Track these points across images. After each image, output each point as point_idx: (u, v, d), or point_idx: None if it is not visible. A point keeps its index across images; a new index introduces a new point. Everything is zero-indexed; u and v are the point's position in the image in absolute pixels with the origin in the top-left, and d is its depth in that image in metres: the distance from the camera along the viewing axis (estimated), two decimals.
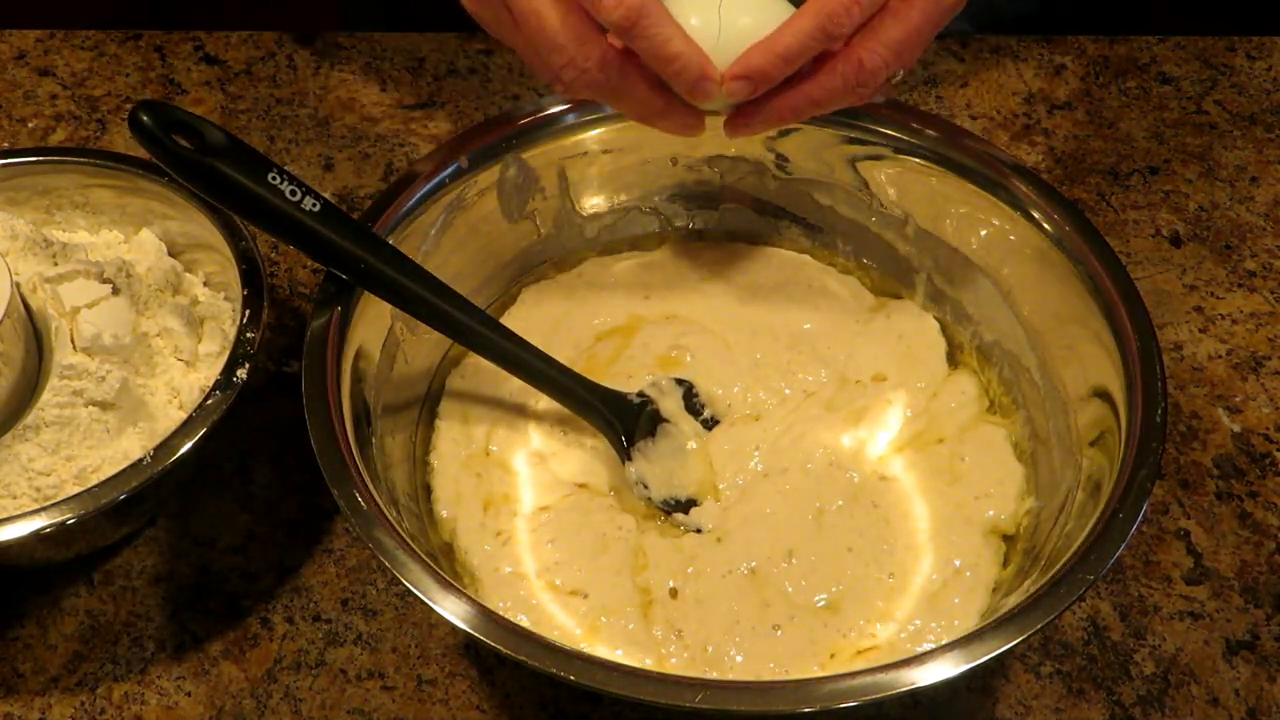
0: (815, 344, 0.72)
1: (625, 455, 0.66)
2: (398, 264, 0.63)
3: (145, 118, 0.57)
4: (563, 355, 0.68)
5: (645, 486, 0.66)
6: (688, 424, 0.68)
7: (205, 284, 0.74)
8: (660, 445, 0.67)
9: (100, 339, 0.64)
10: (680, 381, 0.70)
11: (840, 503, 0.65)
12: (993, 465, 0.67)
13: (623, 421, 0.67)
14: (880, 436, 0.68)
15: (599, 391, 0.67)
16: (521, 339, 0.66)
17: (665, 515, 0.65)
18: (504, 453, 0.68)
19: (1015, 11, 1.03)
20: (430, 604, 0.52)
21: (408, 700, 0.64)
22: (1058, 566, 0.54)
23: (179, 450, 0.60)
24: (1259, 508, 0.72)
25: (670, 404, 0.69)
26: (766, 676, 0.58)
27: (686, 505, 0.65)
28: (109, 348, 0.65)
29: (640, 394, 0.68)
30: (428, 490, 0.67)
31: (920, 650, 0.54)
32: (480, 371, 0.70)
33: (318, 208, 0.61)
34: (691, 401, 0.69)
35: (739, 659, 0.59)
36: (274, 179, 0.60)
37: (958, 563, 0.62)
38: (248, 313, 0.65)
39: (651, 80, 0.60)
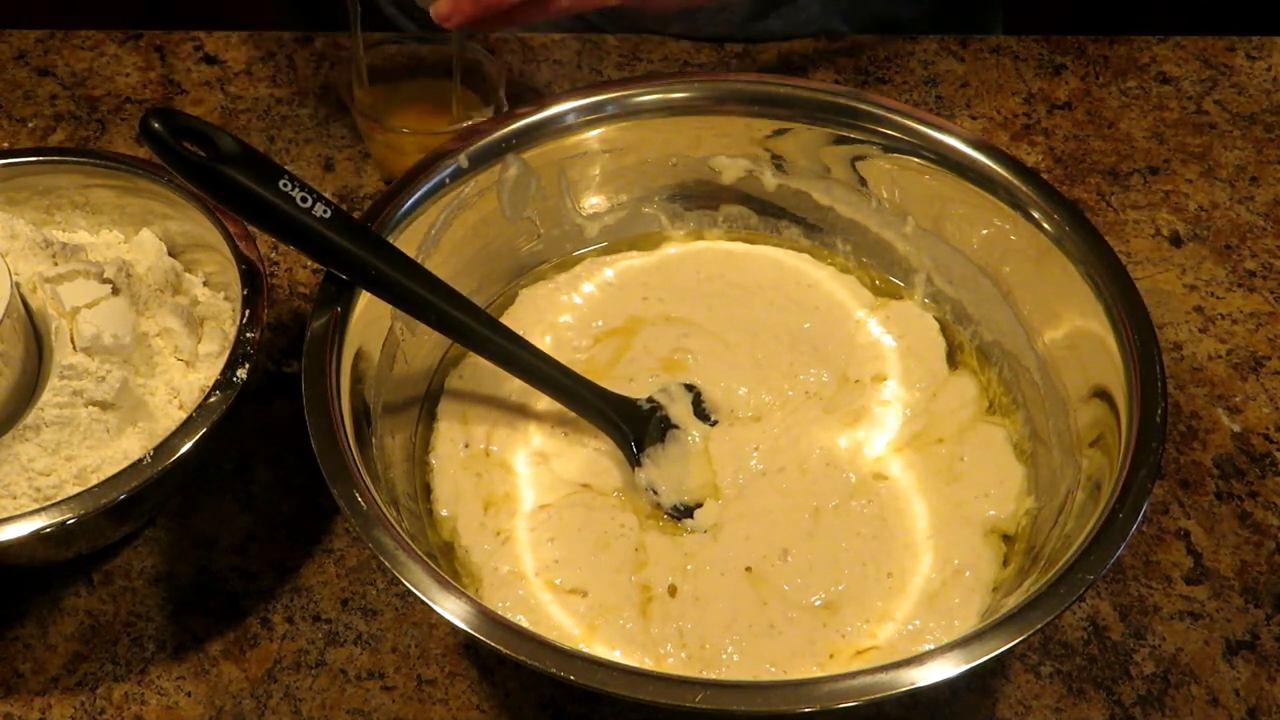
0: (815, 344, 0.72)
1: (635, 461, 0.66)
2: (408, 271, 0.63)
3: (156, 125, 0.57)
4: (562, 357, 0.68)
5: (655, 492, 0.66)
6: (698, 429, 0.68)
7: (205, 284, 0.74)
8: (670, 450, 0.67)
9: (100, 339, 0.64)
10: (689, 387, 0.70)
11: (836, 502, 0.65)
12: (992, 465, 0.67)
13: (632, 427, 0.67)
14: (880, 436, 0.68)
15: (609, 397, 0.67)
16: (534, 346, 0.66)
17: (676, 520, 0.65)
18: (504, 453, 0.68)
19: (908, 15, 1.05)
20: (430, 604, 0.52)
21: (408, 700, 0.64)
22: (1058, 566, 0.54)
23: (179, 450, 0.60)
24: (1259, 508, 0.72)
25: (679, 409, 0.69)
26: (764, 676, 0.58)
27: (694, 509, 0.65)
28: (109, 348, 0.65)
29: (650, 399, 0.68)
30: (427, 490, 0.67)
31: (920, 650, 0.54)
32: (480, 371, 0.70)
33: (328, 214, 0.61)
34: (700, 407, 0.69)
35: (736, 658, 0.59)
36: (285, 186, 0.60)
37: (957, 562, 0.62)
38: (248, 313, 0.65)
39: None
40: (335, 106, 0.94)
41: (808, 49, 0.99)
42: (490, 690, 0.64)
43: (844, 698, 0.49)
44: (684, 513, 0.65)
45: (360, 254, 0.62)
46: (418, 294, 0.63)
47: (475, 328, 0.64)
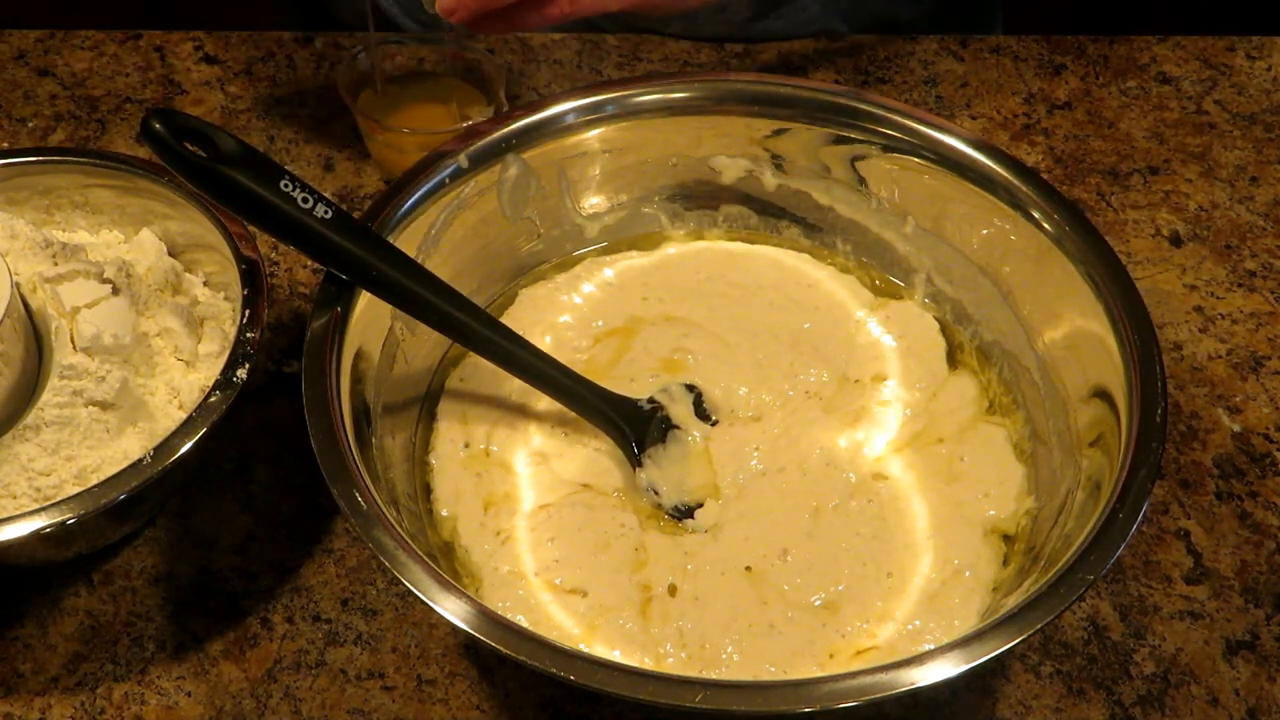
0: (816, 344, 0.72)
1: (636, 462, 0.66)
2: (409, 272, 0.63)
3: (157, 125, 0.57)
4: (562, 357, 0.68)
5: (656, 493, 0.66)
6: (699, 430, 0.68)
7: (205, 284, 0.74)
8: (671, 451, 0.67)
9: (100, 339, 0.64)
10: (690, 387, 0.70)
11: (836, 502, 0.65)
12: (992, 465, 0.67)
13: (633, 428, 0.67)
14: (880, 436, 0.68)
15: (610, 398, 0.67)
16: (535, 347, 0.66)
17: (677, 521, 0.65)
18: (504, 453, 0.68)
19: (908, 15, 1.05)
20: (430, 604, 0.52)
21: (408, 700, 0.64)
22: (1058, 566, 0.54)
23: (179, 450, 0.60)
24: (1259, 508, 0.72)
25: (681, 410, 0.69)
26: (764, 676, 0.58)
27: (695, 510, 0.65)
28: (109, 348, 0.65)
29: (651, 400, 0.68)
30: (427, 490, 0.67)
31: (920, 650, 0.54)
32: (480, 371, 0.70)
33: (329, 215, 0.61)
34: (701, 407, 0.69)
35: (736, 658, 0.59)
36: (286, 186, 0.60)
37: (957, 562, 0.62)
38: (248, 313, 0.65)
39: None
40: (335, 106, 0.94)
41: (808, 49, 0.99)
42: (490, 690, 0.64)
43: (844, 698, 0.49)
44: (685, 513, 0.65)
45: (361, 255, 0.62)
46: (419, 295, 0.63)
47: (477, 329, 0.64)
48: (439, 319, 0.64)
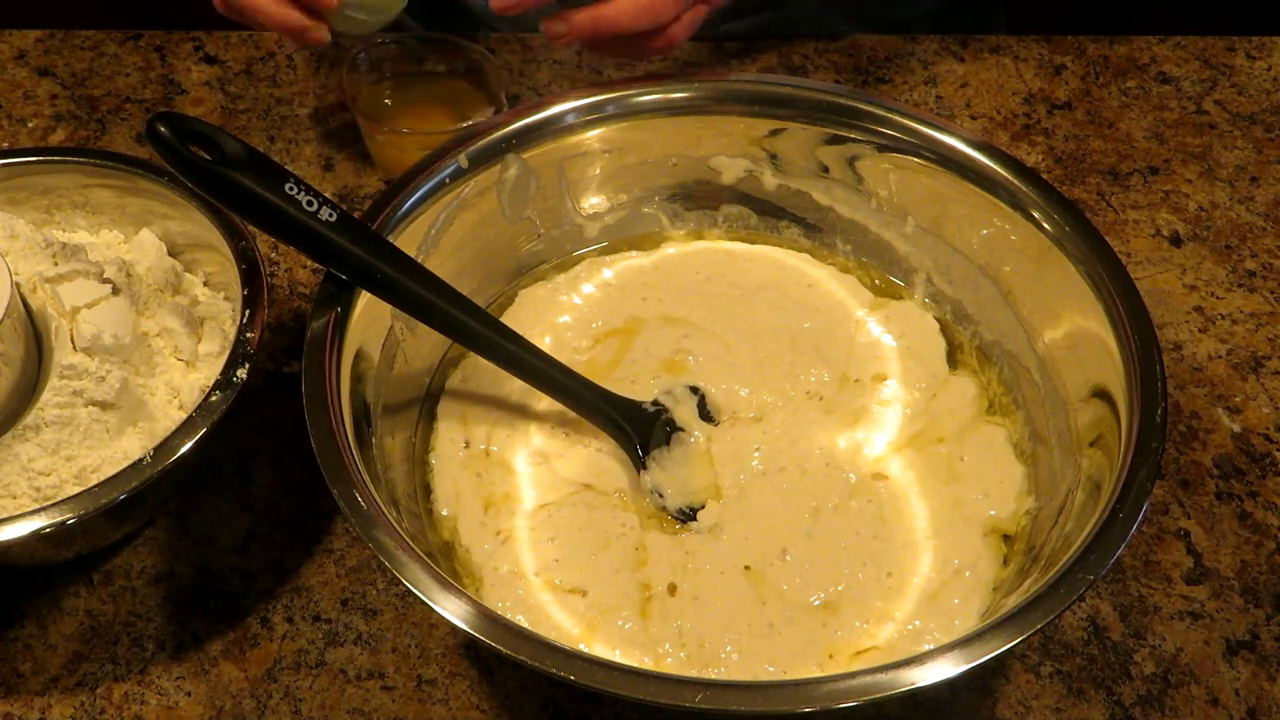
0: (816, 344, 0.72)
1: (640, 464, 0.66)
2: (413, 275, 0.63)
3: (163, 128, 0.57)
4: (562, 358, 0.68)
5: (660, 495, 0.66)
6: (703, 432, 0.68)
7: (205, 284, 0.74)
8: (675, 453, 0.67)
9: (100, 339, 0.64)
10: (694, 390, 0.70)
11: (836, 501, 0.65)
12: (992, 465, 0.67)
13: (638, 430, 0.66)
14: (880, 436, 0.68)
15: (614, 401, 0.67)
16: (541, 351, 0.66)
17: (680, 524, 0.65)
18: (504, 452, 0.68)
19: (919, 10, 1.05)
20: (430, 604, 0.52)
21: (408, 700, 0.64)
22: (1058, 566, 0.54)
23: (179, 450, 0.60)
24: (1259, 508, 0.72)
25: (684, 412, 0.69)
26: (764, 676, 0.58)
27: (698, 511, 0.65)
28: (109, 348, 0.65)
29: (655, 402, 0.68)
30: (427, 490, 0.67)
31: (920, 650, 0.54)
32: (480, 371, 0.70)
33: (334, 218, 0.61)
34: (705, 409, 0.69)
35: (735, 657, 0.59)
36: (291, 189, 0.60)
37: (957, 562, 0.62)
38: (248, 313, 0.65)
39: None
40: (335, 106, 0.94)
41: (808, 49, 0.99)
42: (490, 690, 0.64)
43: (844, 698, 0.49)
44: (689, 515, 0.65)
45: (365, 258, 0.61)
46: (423, 297, 0.63)
47: (482, 332, 0.64)
48: (442, 321, 0.64)
